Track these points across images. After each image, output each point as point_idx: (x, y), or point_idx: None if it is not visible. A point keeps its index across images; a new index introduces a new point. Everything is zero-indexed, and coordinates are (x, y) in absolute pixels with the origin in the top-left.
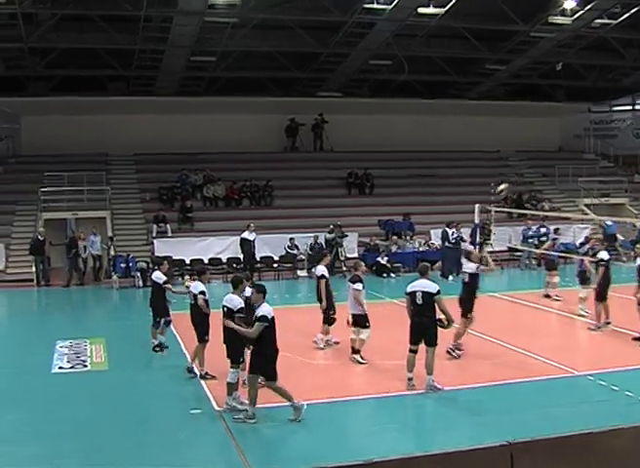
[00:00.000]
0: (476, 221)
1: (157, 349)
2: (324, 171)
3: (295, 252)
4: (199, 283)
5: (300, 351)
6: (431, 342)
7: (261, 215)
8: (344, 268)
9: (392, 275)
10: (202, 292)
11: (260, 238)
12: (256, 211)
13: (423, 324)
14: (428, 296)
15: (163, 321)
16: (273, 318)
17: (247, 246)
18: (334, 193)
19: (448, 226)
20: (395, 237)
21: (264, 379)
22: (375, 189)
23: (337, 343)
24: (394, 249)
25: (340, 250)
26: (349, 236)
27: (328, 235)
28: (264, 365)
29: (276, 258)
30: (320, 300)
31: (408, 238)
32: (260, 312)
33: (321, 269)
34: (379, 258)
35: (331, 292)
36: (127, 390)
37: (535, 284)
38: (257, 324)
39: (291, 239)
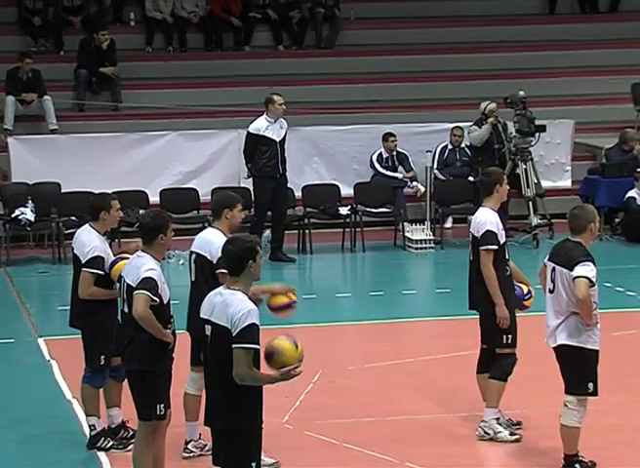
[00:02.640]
0: None
1: (105, 443)
2: None
3: (397, 174)
4: (144, 257)
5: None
6: None
7: (305, 73)
8: (536, 220)
9: None
10: (146, 283)
11: (304, 134)
12: (291, 60)
13: None
14: None
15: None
16: None
17: (266, 157)
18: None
19: None
20: None
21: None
22: None
23: (518, 425)
24: None
25: (523, 167)
26: (551, 129)
27: (477, 131)
28: None
29: (347, 193)
30: (476, 301)
31: None
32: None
33: (484, 220)
34: (632, 193)
35: (508, 277)
36: None
37: None
38: None
39: (387, 137)
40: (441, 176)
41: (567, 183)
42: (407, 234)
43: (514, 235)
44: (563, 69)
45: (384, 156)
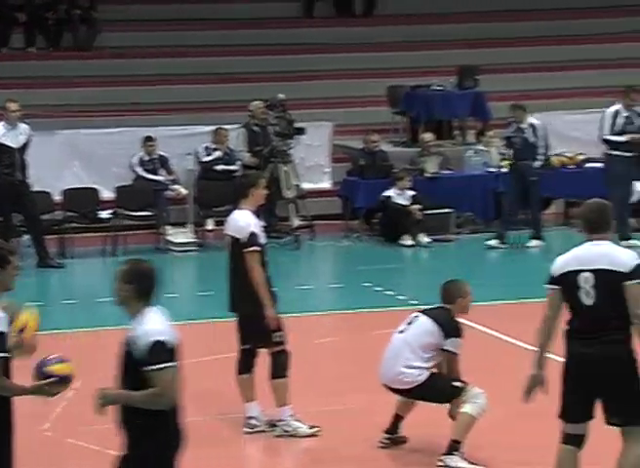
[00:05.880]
0: None
1: None
2: None
3: (158, 177)
4: None
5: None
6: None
7: (62, 75)
8: (297, 221)
9: (425, 239)
10: None
11: (62, 138)
12: (47, 62)
13: (603, 359)
14: (614, 283)
15: None
16: None
17: (4, 164)
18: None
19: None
20: (429, 136)
21: None
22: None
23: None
24: (432, 168)
25: (284, 169)
26: (310, 132)
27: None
28: None
29: (108, 196)
30: (236, 303)
31: (471, 138)
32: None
33: (246, 222)
34: (390, 193)
35: (268, 278)
36: None
37: None
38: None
39: (146, 142)
40: (207, 159)
41: (327, 185)
42: (169, 237)
43: (273, 235)
44: (321, 72)
45: (145, 159)
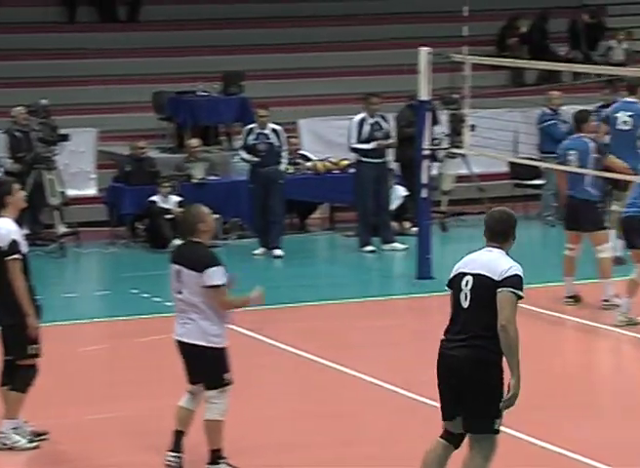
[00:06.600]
0: (422, 97)
1: None
2: None
3: None
4: None
5: None
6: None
7: None
8: (63, 229)
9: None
10: None
11: None
12: None
13: (462, 362)
14: (485, 289)
15: None
16: None
17: None
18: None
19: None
20: (195, 141)
21: None
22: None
23: (42, 435)
24: (199, 174)
25: (48, 177)
26: (74, 138)
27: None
28: None
29: None
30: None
31: (237, 143)
32: None
33: (5, 230)
34: (155, 198)
35: (31, 287)
36: None
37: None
38: None
39: None
40: None
41: (92, 191)
42: None
43: (38, 242)
44: (85, 77)
45: None
